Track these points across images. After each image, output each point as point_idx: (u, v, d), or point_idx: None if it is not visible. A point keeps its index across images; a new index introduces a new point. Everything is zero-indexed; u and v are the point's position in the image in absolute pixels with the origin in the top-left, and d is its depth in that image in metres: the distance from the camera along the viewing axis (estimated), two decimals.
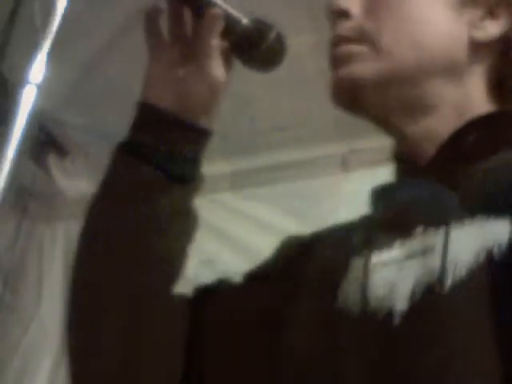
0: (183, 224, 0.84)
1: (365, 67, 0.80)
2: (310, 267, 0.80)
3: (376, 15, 0.81)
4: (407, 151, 0.82)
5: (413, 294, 0.66)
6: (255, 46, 0.83)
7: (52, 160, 2.42)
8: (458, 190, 0.71)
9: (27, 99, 0.63)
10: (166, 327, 0.82)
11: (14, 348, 2.32)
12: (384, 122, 0.83)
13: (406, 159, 0.82)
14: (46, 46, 0.65)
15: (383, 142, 0.90)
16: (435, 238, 0.68)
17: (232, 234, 2.27)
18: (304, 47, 1.85)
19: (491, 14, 0.80)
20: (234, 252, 2.24)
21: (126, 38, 1.99)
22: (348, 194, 2.10)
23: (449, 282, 0.64)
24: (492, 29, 0.80)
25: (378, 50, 0.79)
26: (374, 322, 0.68)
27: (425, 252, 0.68)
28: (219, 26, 0.82)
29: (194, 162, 0.84)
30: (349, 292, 0.72)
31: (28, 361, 2.31)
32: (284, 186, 2.26)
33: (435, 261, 0.66)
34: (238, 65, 0.87)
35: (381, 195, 0.79)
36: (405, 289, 0.66)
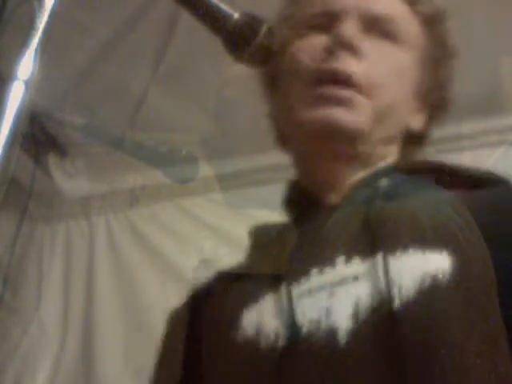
0: None
1: (356, 117, 0.85)
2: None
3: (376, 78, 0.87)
4: (320, 192, 0.92)
5: (355, 314, 0.71)
6: (247, 42, 0.82)
7: (52, 160, 2.42)
8: (369, 228, 0.77)
9: (15, 95, 0.63)
10: None
11: (14, 348, 2.32)
12: (320, 164, 0.93)
13: (313, 199, 0.92)
14: (34, 42, 0.65)
15: None
16: (367, 265, 0.73)
17: (232, 234, 2.27)
18: None
19: (420, 110, 0.92)
20: (234, 252, 2.23)
21: (125, 38, 1.99)
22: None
23: (397, 302, 0.69)
24: (417, 123, 0.92)
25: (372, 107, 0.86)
26: (314, 341, 0.72)
27: (356, 279, 0.73)
28: None
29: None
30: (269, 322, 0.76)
31: (28, 361, 2.31)
32: (284, 186, 2.26)
33: (377, 285, 0.71)
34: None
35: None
36: (344, 310, 0.71)
